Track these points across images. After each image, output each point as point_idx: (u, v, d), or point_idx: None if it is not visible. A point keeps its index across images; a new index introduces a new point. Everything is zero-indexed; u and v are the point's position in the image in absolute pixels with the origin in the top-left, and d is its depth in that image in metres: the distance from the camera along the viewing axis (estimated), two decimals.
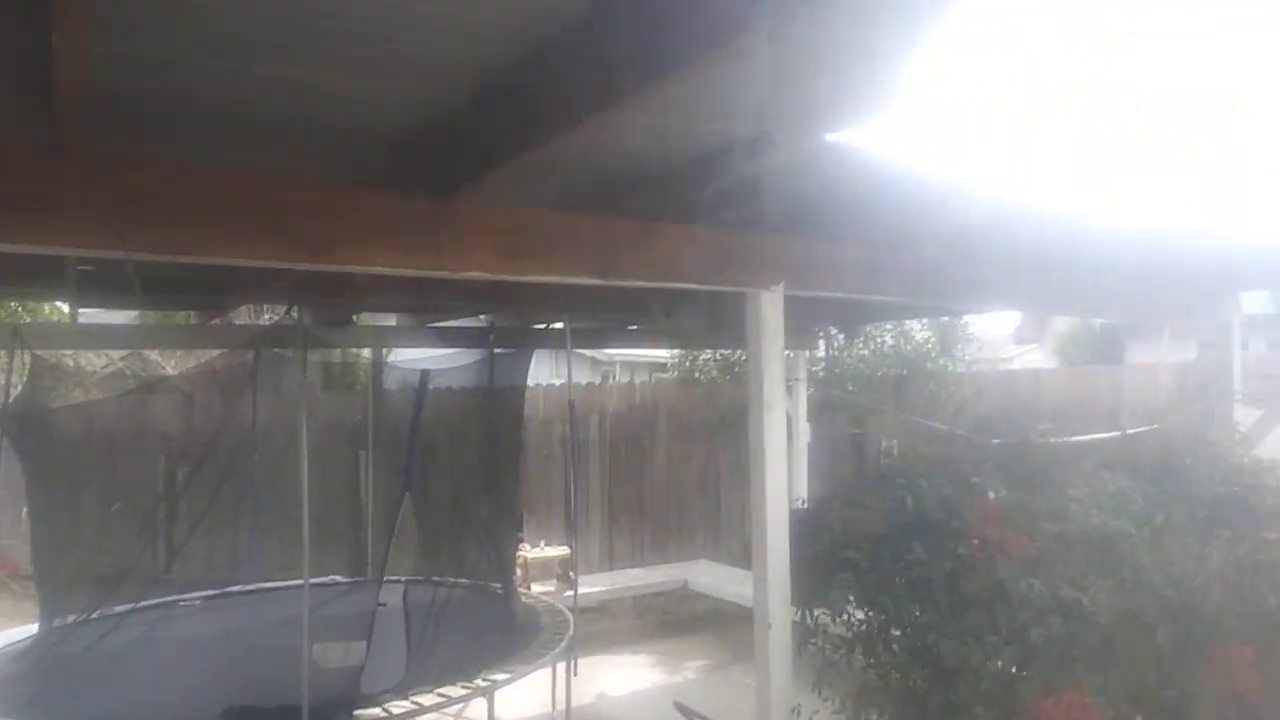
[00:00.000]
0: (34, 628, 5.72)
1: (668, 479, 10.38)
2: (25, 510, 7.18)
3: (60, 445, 6.87)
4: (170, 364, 12.64)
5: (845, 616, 3.91)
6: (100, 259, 2.60)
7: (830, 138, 3.10)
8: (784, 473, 4.01)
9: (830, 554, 3.89)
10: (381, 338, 7.50)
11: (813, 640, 3.98)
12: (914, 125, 3.40)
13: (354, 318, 7.55)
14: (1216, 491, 4.13)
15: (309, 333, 5.61)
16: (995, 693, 3.37)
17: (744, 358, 5.00)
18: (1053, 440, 4.75)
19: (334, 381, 10.34)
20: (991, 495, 3.78)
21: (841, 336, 9.46)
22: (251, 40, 2.19)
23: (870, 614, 3.79)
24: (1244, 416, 6.17)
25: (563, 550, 8.24)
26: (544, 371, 9.96)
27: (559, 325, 8.29)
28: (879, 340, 9.94)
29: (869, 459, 8.45)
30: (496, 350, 6.41)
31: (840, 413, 8.97)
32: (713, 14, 1.89)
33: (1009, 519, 3.60)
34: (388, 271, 2.88)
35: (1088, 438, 5.50)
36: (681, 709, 4.81)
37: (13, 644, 5.54)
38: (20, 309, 11.71)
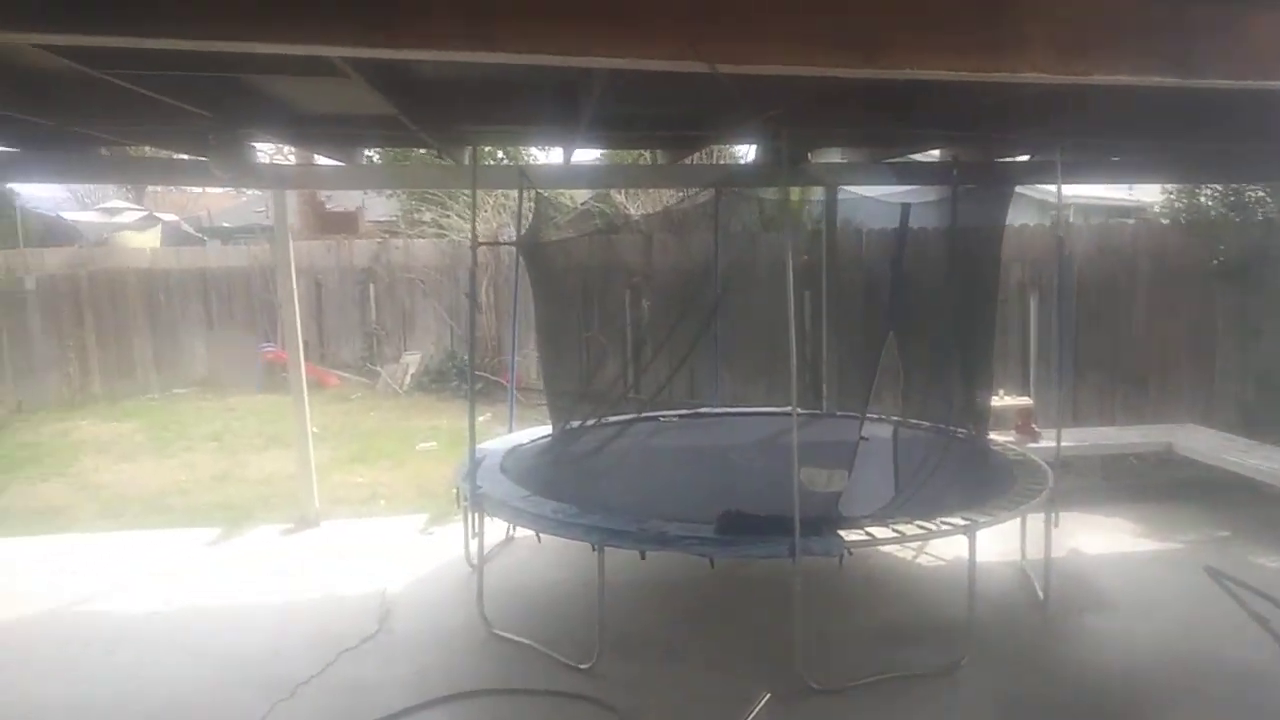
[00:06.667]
0: (548, 429, 6.68)
1: (1148, 333, 9.22)
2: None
3: (554, 274, 7.75)
4: (633, 205, 13.71)
5: None
6: (678, 72, 2.54)
7: None
8: None
9: None
10: (851, 175, 7.30)
11: None
12: None
13: (808, 155, 7.45)
14: None
15: (803, 171, 5.63)
16: None
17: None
18: None
19: (776, 222, 10.45)
20: None
21: None
22: None
23: None
24: None
25: (1023, 401, 7.79)
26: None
27: (1022, 159, 7.54)
28: None
29: None
30: (968, 186, 5.93)
31: None
32: None
33: None
34: (943, 77, 2.63)
35: None
36: (1216, 575, 4.34)
37: (536, 440, 6.52)
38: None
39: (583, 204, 13.69)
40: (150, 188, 21.27)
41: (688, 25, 2.36)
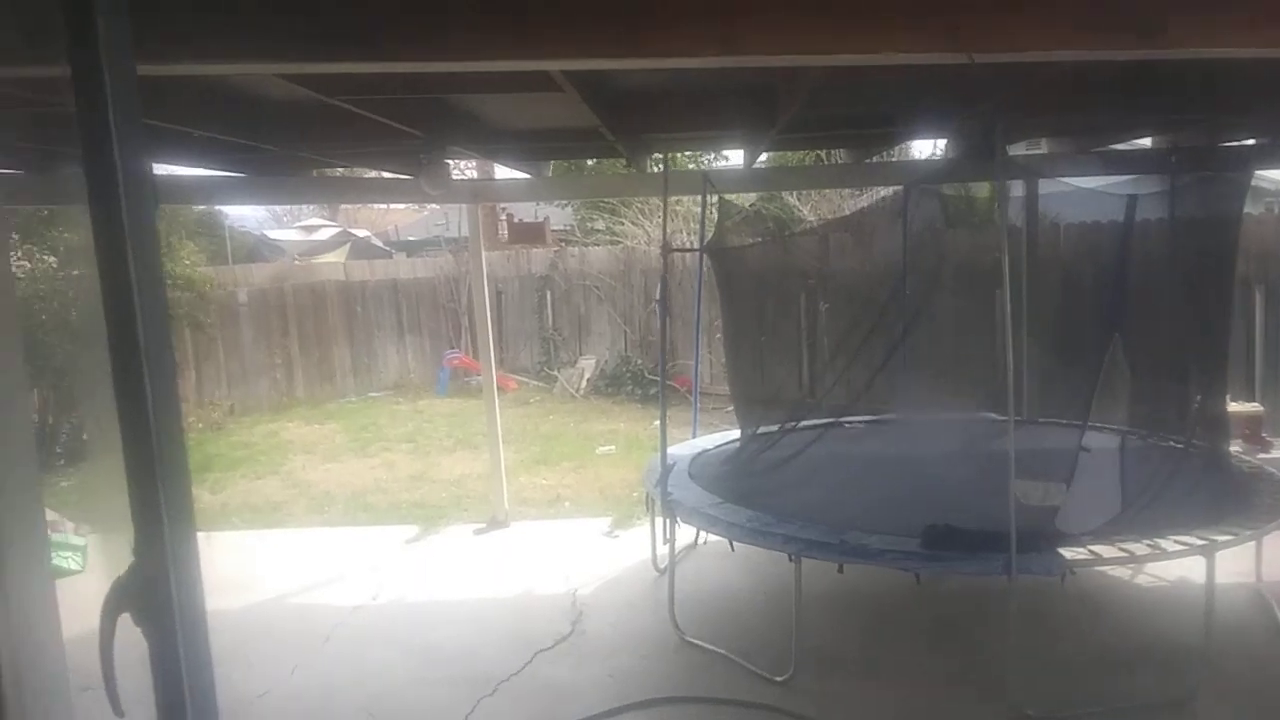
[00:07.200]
0: (731, 434, 6.63)
1: None
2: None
3: (742, 278, 7.66)
4: (805, 206, 13.48)
5: None
6: (931, 64, 2.40)
7: None
8: None
9: None
10: (1060, 166, 6.84)
11: None
12: None
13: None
14: None
15: (1010, 164, 5.32)
16: None
17: None
18: None
19: (958, 219, 9.95)
20: None
21: None
22: None
23: None
24: None
25: (1250, 407, 7.09)
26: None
27: (1248, 142, 6.85)
28: None
29: None
30: (1205, 174, 5.43)
31: None
32: None
33: None
34: (1221, 54, 2.38)
35: None
36: None
37: (720, 446, 6.47)
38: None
39: (751, 205, 13.59)
40: (343, 206, 22.68)
41: (945, 14, 2.23)
